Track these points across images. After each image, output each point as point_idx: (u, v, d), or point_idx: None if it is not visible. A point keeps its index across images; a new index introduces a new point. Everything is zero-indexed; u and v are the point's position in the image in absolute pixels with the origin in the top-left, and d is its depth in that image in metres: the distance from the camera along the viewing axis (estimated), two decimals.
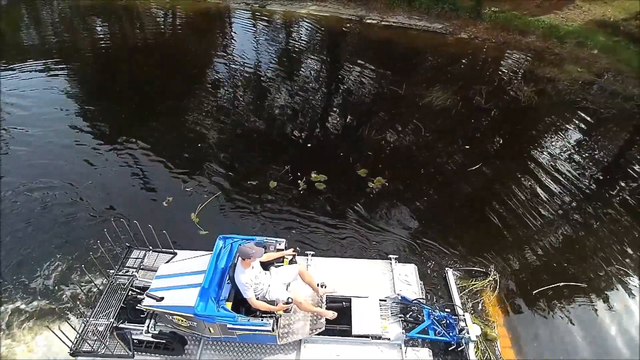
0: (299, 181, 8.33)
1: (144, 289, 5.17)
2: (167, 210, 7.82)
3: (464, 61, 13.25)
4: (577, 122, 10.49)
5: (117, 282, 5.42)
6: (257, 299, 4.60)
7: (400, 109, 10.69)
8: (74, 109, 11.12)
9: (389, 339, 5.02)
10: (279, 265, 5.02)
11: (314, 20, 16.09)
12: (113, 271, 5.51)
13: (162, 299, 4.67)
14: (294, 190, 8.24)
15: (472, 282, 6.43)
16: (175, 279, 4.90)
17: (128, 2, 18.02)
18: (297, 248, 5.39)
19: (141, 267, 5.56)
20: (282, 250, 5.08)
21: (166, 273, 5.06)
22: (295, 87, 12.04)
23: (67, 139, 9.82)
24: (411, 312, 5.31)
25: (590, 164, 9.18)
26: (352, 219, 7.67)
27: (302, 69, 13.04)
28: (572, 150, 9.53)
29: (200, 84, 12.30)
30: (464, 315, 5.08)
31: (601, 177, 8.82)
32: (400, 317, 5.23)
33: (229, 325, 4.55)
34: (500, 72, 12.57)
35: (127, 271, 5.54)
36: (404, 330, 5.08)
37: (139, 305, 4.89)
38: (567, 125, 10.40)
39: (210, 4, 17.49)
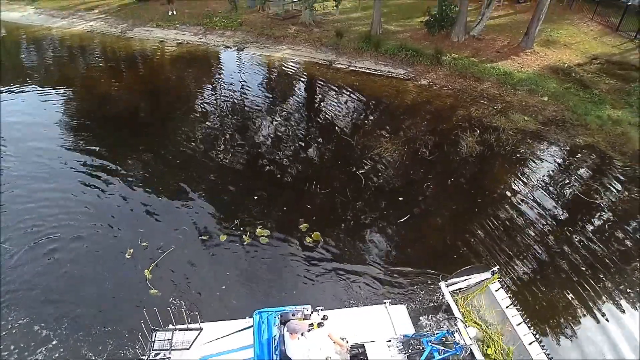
0: (244, 235, 9.26)
1: None
2: (129, 262, 8.69)
3: (419, 109, 14.18)
4: (511, 174, 11.39)
5: None
6: None
7: (349, 161, 11.58)
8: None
9: None
10: (311, 329, 5.69)
11: (286, 64, 17.20)
12: (145, 357, 5.61)
13: None
14: (240, 244, 9.16)
15: (471, 291, 6.86)
16: (224, 357, 5.55)
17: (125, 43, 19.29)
18: (325, 315, 6.02)
19: (173, 347, 5.76)
20: (309, 315, 5.84)
21: (211, 353, 5.64)
22: (251, 136, 12.90)
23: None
24: (412, 346, 6.20)
25: (514, 214, 10.07)
26: (292, 272, 8.57)
27: (260, 118, 13.87)
28: (500, 202, 10.42)
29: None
30: (456, 325, 5.85)
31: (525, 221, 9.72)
32: (405, 353, 6.12)
33: None
34: (450, 121, 13.45)
35: (158, 354, 5.62)
36: None
37: None
38: (500, 177, 11.30)
39: (191, 47, 18.68)
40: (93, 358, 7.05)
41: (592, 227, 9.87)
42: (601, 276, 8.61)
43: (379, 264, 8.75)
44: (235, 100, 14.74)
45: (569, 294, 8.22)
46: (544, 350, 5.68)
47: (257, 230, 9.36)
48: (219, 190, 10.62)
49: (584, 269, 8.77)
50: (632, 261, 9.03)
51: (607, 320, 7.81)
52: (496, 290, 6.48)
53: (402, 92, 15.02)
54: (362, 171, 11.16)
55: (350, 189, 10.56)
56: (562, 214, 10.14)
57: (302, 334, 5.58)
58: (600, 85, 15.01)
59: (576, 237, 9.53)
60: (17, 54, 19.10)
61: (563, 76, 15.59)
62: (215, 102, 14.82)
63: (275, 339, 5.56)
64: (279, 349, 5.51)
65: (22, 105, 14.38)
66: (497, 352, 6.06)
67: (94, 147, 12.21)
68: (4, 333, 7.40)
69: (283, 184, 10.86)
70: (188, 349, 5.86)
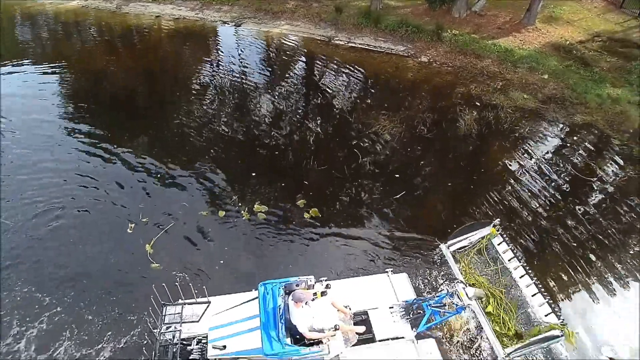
0: (243, 211, 9.38)
1: (189, 339, 6.02)
2: (131, 236, 8.84)
3: (418, 87, 14.09)
4: (509, 152, 11.44)
5: (165, 339, 5.81)
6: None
7: (346, 138, 11.61)
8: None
9: (403, 337, 6.34)
10: (315, 298, 5.98)
11: (285, 40, 16.95)
12: (157, 330, 5.90)
13: (224, 347, 5.57)
14: (239, 219, 9.28)
15: (471, 249, 6.94)
16: (231, 328, 5.82)
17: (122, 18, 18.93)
18: (329, 284, 6.29)
19: (183, 320, 6.04)
20: (313, 285, 6.05)
21: (219, 324, 5.91)
22: (249, 114, 12.84)
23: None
24: (413, 311, 6.55)
25: (511, 192, 10.18)
26: (291, 246, 8.77)
27: (258, 96, 13.74)
28: (497, 180, 10.51)
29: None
30: (457, 286, 6.03)
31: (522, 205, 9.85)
32: (407, 318, 6.50)
33: (294, 358, 5.53)
34: (449, 99, 13.37)
35: (170, 327, 5.91)
36: (413, 328, 6.38)
37: (210, 355, 5.52)
38: (498, 155, 11.34)
39: (188, 22, 18.34)
40: (97, 322, 7.35)
41: (588, 205, 10.01)
42: (597, 251, 8.88)
43: (377, 237, 8.99)
44: (233, 76, 14.60)
45: (564, 271, 8.47)
46: (547, 300, 5.80)
47: (255, 206, 9.48)
48: (217, 167, 10.67)
49: (577, 245, 9.01)
50: (628, 237, 9.26)
51: (604, 290, 8.20)
52: (498, 244, 6.49)
53: (402, 69, 14.87)
54: (360, 148, 11.20)
55: (348, 165, 10.64)
56: (558, 192, 10.27)
57: (306, 303, 5.79)
58: (601, 64, 14.86)
59: (572, 215, 9.72)
60: (12, 30, 18.78)
61: (564, 54, 15.40)
62: (213, 79, 14.68)
63: (280, 308, 5.76)
64: (284, 318, 5.72)
65: (19, 81, 14.25)
66: (498, 308, 6.16)
67: (93, 123, 12.21)
68: (7, 301, 7.63)
69: (281, 161, 10.92)
70: (197, 321, 6.13)
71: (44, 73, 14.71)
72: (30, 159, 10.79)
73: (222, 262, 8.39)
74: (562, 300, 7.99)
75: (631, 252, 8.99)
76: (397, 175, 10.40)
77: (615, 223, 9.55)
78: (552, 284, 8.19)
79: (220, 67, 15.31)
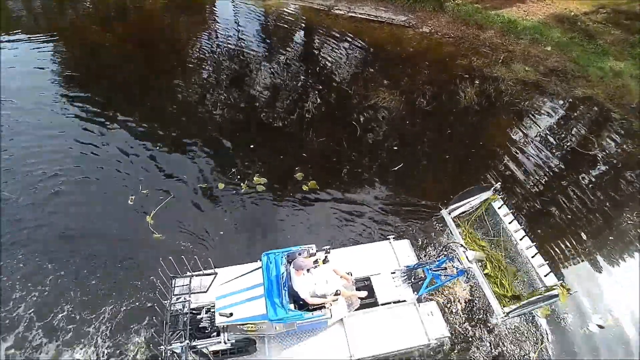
0: (242, 184, 9.45)
1: (198, 309, 6.31)
2: (132, 208, 8.96)
3: (419, 58, 13.86)
4: (508, 125, 11.42)
5: (175, 309, 6.16)
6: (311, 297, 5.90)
7: (345, 110, 11.54)
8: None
9: (405, 301, 6.66)
10: (317, 266, 6.17)
11: (284, 10, 16.53)
12: (167, 301, 6.22)
13: (231, 314, 5.79)
14: (238, 192, 9.37)
15: (472, 212, 6.97)
16: (236, 296, 6.02)
17: None
18: (329, 251, 6.48)
19: (191, 291, 6.37)
20: (314, 254, 6.24)
21: (225, 293, 6.09)
22: (247, 86, 12.65)
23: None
24: (414, 275, 6.88)
25: (509, 165, 10.26)
26: (290, 217, 8.93)
27: (256, 67, 13.51)
28: (496, 153, 10.56)
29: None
30: (457, 250, 6.21)
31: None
32: (409, 283, 6.84)
33: (297, 322, 5.79)
34: (450, 71, 13.19)
35: (179, 298, 6.25)
36: (415, 292, 6.69)
37: (217, 322, 5.77)
38: (497, 128, 11.34)
39: None
40: (99, 287, 7.61)
41: (586, 178, 10.13)
42: (595, 223, 9.16)
43: (376, 207, 9.18)
44: (230, 48, 14.33)
45: (562, 241, 8.72)
46: (547, 262, 5.94)
47: (254, 178, 9.55)
48: (215, 140, 10.67)
49: (576, 216, 9.24)
50: (628, 209, 9.49)
51: (603, 259, 8.56)
52: (498, 208, 6.56)
53: (403, 40, 14.58)
54: (359, 121, 11.16)
55: (346, 138, 10.64)
56: (557, 165, 10.35)
57: (307, 270, 5.96)
58: (605, 36, 14.58)
59: (570, 188, 9.85)
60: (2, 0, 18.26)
61: (568, 25, 15.08)
62: (210, 49, 14.40)
63: (283, 277, 5.94)
64: (287, 285, 5.91)
65: (14, 53, 13.97)
66: (497, 271, 6.31)
67: (89, 93, 12.10)
68: (8, 267, 7.83)
69: (279, 134, 10.91)
70: (205, 291, 6.41)
71: (39, 43, 14.37)
72: (30, 128, 10.76)
73: (221, 233, 8.53)
74: (563, 268, 8.26)
75: (631, 223, 9.20)
76: (395, 148, 10.43)
77: (615, 196, 9.71)
78: (551, 252, 8.42)
79: (218, 38, 15.00)
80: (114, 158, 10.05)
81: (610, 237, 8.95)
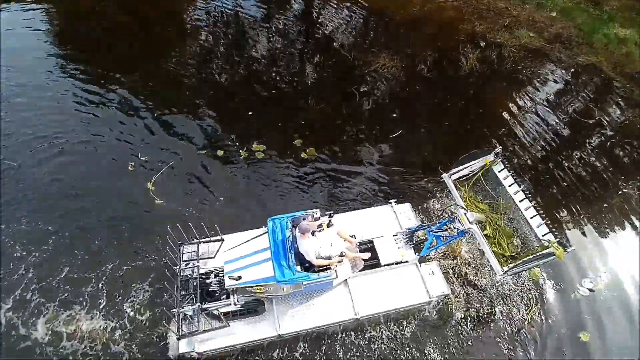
0: (241, 150, 9.43)
1: (207, 274, 6.52)
2: (132, 174, 8.95)
3: (421, 23, 13.52)
4: (510, 92, 11.31)
5: (185, 275, 6.37)
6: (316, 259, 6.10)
7: (345, 77, 11.36)
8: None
9: (407, 262, 6.94)
10: (321, 229, 6.37)
11: None
12: (177, 267, 6.43)
13: (240, 277, 5.96)
14: (237, 159, 9.36)
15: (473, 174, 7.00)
16: (244, 260, 6.19)
17: None
18: (332, 214, 6.70)
19: (200, 257, 6.56)
20: (319, 218, 6.38)
21: (233, 257, 6.23)
22: (244, 51, 12.35)
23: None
24: (416, 237, 7.19)
25: (509, 132, 10.28)
26: (290, 183, 9.00)
27: (254, 32, 13.15)
28: (496, 121, 10.52)
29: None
30: (458, 212, 6.37)
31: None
32: (410, 244, 7.12)
33: (304, 283, 6.02)
34: (452, 37, 12.88)
35: (188, 264, 6.47)
36: (416, 253, 6.97)
37: (227, 285, 5.95)
38: (499, 95, 11.24)
39: None
40: (101, 250, 7.74)
41: (586, 146, 10.20)
42: (595, 190, 9.35)
43: (376, 173, 9.28)
44: (227, 12, 13.91)
45: (560, 208, 8.93)
46: (545, 221, 6.07)
47: (253, 145, 9.53)
48: (213, 107, 10.54)
49: (576, 183, 9.41)
50: (628, 177, 9.65)
51: (602, 225, 8.80)
52: (499, 171, 6.65)
53: (405, 5, 14.13)
54: (358, 87, 11.03)
55: (345, 105, 10.55)
56: (557, 133, 10.38)
57: (312, 233, 6.13)
58: (611, 2, 14.20)
59: (570, 155, 9.96)
60: None
61: None
62: (206, 15, 13.97)
63: (289, 240, 6.11)
64: (293, 248, 6.10)
65: (8, 19, 13.49)
66: (496, 231, 6.46)
67: (87, 61, 11.74)
68: (10, 231, 7.90)
69: (278, 100, 10.76)
70: (213, 257, 6.59)
71: (32, 11, 13.82)
72: (28, 90, 10.60)
73: (222, 199, 8.60)
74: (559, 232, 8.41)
75: (631, 191, 9.37)
76: (394, 115, 10.36)
77: (614, 164, 9.83)
78: (549, 217, 8.54)
79: (215, 1, 14.52)
80: (111, 123, 9.93)
81: (605, 205, 9.11)
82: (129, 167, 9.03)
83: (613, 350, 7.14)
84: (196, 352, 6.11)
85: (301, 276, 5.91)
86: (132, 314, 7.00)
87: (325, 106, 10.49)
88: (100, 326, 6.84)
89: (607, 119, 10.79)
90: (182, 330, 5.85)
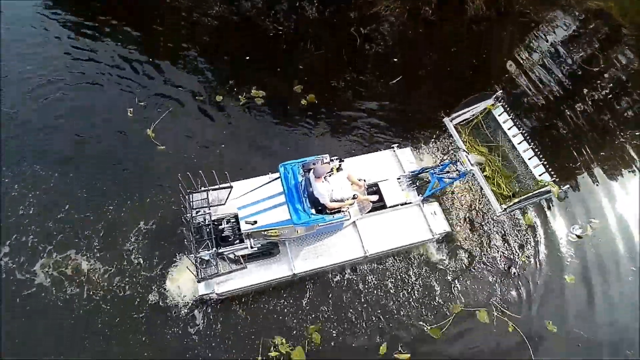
0: (240, 96, 9.28)
1: (219, 220, 6.69)
2: (132, 119, 8.86)
3: None
4: (515, 38, 11.00)
5: (197, 222, 6.44)
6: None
7: (345, 19, 10.92)
8: None
9: (411, 203, 7.34)
10: (331, 174, 6.55)
11: None
12: (188, 215, 6.40)
13: (255, 222, 6.16)
14: (237, 104, 9.23)
15: (474, 117, 7.08)
16: (259, 205, 6.38)
17: None
18: (343, 159, 6.83)
19: (210, 205, 6.56)
20: (328, 163, 6.51)
21: (246, 203, 6.42)
22: None
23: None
24: (419, 180, 7.53)
25: (512, 78, 10.16)
26: (291, 129, 9.01)
27: None
28: (500, 66, 10.34)
29: None
30: (459, 154, 6.63)
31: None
32: (414, 187, 7.50)
33: (320, 224, 6.26)
34: None
35: (199, 212, 6.48)
36: (419, 194, 7.39)
37: (243, 230, 6.19)
38: (504, 41, 10.95)
39: None
40: (103, 191, 7.84)
41: (591, 95, 10.14)
42: (597, 139, 9.47)
43: (376, 118, 9.28)
44: None
45: (558, 154, 9.07)
46: (542, 162, 6.28)
47: (252, 91, 9.37)
48: (211, 51, 10.22)
49: (578, 132, 9.49)
50: (631, 128, 9.74)
51: (602, 173, 9.02)
52: (499, 115, 6.74)
53: None
54: (359, 31, 10.65)
55: (346, 49, 10.26)
56: (562, 81, 10.28)
57: (324, 178, 6.29)
58: None
59: (574, 104, 9.92)
60: None
61: None
62: None
63: (301, 184, 6.25)
64: (306, 193, 6.25)
65: None
66: (496, 172, 6.71)
67: (80, 6, 11.05)
68: (10, 173, 7.94)
69: (276, 45, 10.41)
70: (224, 204, 6.65)
71: None
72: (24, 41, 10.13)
73: (223, 145, 8.59)
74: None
75: (634, 142, 9.51)
76: (395, 60, 10.13)
77: (616, 113, 9.86)
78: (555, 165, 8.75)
79: None
80: (108, 70, 9.65)
81: (603, 154, 9.26)
82: (128, 114, 8.91)
83: (595, 292, 7.62)
84: (216, 294, 6.45)
85: (317, 218, 6.12)
86: (132, 255, 7.21)
87: (325, 50, 10.19)
88: (99, 268, 7.07)
89: (613, 68, 10.61)
90: (201, 274, 6.03)
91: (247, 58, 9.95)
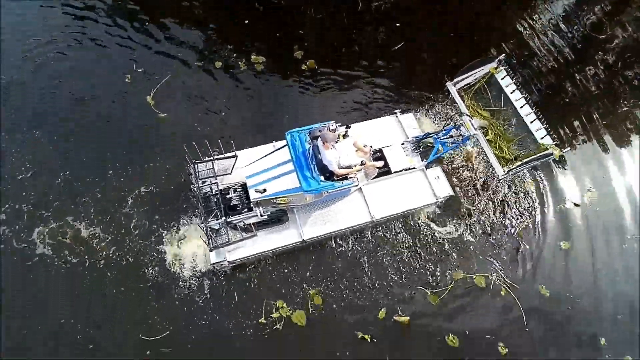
0: (240, 62, 9.10)
1: (226, 189, 6.71)
2: (130, 86, 8.74)
3: None
4: (521, 4, 10.74)
5: (204, 192, 6.49)
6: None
7: None
8: None
9: (415, 168, 7.46)
10: (338, 141, 6.51)
11: None
12: (195, 185, 6.47)
13: (265, 190, 6.19)
14: (237, 70, 9.08)
15: (476, 81, 7.11)
16: (267, 174, 6.42)
17: None
18: (349, 126, 6.78)
19: (216, 174, 6.61)
20: (335, 129, 6.48)
21: (254, 172, 6.44)
22: None
23: None
24: (422, 145, 7.57)
25: (518, 46, 10.02)
26: (293, 96, 8.94)
27: None
28: (505, 35, 10.18)
29: None
30: (462, 119, 6.68)
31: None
32: (417, 152, 7.57)
33: (329, 191, 6.30)
34: None
35: (205, 182, 6.52)
36: (423, 159, 7.48)
37: (252, 198, 6.25)
38: (508, 7, 10.69)
39: None
40: (104, 154, 7.85)
41: (596, 64, 10.06)
42: (601, 107, 9.48)
43: (378, 83, 9.23)
44: None
45: (560, 122, 9.09)
46: (544, 126, 6.37)
47: (252, 57, 9.21)
48: (209, 16, 9.96)
49: (582, 100, 9.51)
50: (630, 96, 9.71)
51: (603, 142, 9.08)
52: (502, 79, 6.74)
53: None
54: None
55: (347, 14, 10.03)
56: (567, 48, 10.17)
57: (332, 145, 6.29)
58: None
59: (579, 71, 9.88)
60: None
61: None
62: None
63: (309, 152, 6.24)
64: (314, 159, 6.25)
65: None
66: (498, 137, 6.80)
67: None
68: (8, 138, 7.92)
69: (275, 9, 10.15)
70: (230, 173, 6.69)
71: None
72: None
73: (223, 114, 8.51)
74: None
75: (632, 110, 9.53)
76: (397, 25, 9.93)
77: (621, 81, 9.82)
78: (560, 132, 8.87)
79: None
80: (104, 35, 9.42)
81: (605, 122, 9.26)
82: (127, 80, 8.77)
83: (595, 259, 7.82)
84: (227, 261, 6.59)
85: (326, 185, 6.15)
86: (132, 220, 7.30)
87: (325, 15, 9.95)
88: (96, 233, 7.17)
89: (619, 36, 10.44)
90: (212, 242, 6.13)
91: (246, 22, 9.67)
